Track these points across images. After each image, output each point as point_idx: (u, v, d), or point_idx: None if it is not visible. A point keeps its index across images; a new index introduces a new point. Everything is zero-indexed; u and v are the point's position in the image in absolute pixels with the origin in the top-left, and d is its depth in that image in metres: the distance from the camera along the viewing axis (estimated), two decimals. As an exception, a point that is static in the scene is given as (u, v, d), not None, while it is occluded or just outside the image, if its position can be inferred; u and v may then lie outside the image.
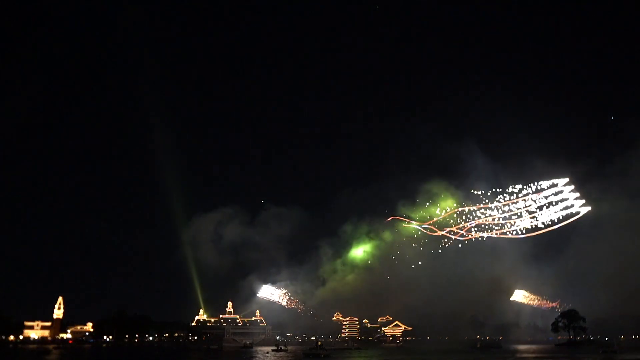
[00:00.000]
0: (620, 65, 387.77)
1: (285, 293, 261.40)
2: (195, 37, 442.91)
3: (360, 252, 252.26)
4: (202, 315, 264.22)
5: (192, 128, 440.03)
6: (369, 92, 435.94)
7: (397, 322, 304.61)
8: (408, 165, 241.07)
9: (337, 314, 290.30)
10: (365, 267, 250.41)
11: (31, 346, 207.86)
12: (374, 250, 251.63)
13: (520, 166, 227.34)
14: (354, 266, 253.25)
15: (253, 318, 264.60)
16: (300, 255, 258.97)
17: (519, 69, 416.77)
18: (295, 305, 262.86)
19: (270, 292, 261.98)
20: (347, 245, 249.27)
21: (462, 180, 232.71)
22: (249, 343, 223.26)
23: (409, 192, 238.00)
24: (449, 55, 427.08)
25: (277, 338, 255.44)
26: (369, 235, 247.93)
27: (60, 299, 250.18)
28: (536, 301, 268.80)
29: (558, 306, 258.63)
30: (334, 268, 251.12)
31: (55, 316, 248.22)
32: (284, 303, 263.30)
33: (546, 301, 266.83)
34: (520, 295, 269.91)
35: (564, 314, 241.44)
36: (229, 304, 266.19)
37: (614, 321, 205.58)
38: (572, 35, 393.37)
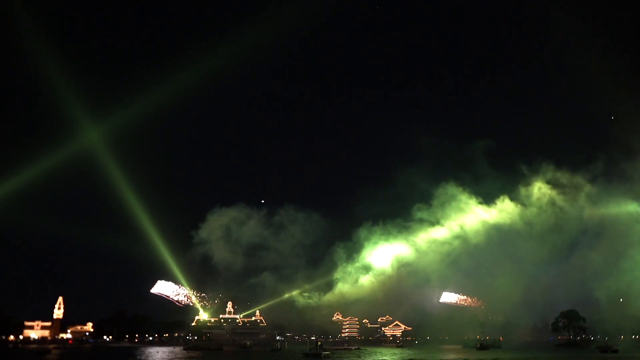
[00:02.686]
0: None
1: (179, 288, 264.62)
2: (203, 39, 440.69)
3: (381, 256, 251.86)
4: (202, 316, 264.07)
5: (204, 130, 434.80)
6: (376, 95, 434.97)
7: (397, 322, 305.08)
8: (419, 168, 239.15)
9: (337, 314, 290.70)
10: (379, 271, 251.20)
11: (31, 346, 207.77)
12: (392, 254, 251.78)
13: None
14: (368, 269, 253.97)
15: (253, 318, 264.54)
16: (315, 259, 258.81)
17: (523, 69, 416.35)
18: (190, 300, 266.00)
19: (163, 288, 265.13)
20: (362, 249, 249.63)
21: (474, 182, 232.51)
22: (249, 343, 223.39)
23: (423, 196, 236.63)
24: (453, 55, 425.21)
25: (277, 338, 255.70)
26: (384, 238, 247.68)
27: (60, 299, 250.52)
28: (465, 302, 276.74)
29: (482, 305, 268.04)
30: (347, 271, 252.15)
31: (55, 316, 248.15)
32: (178, 298, 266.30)
33: (473, 301, 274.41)
34: (449, 297, 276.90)
35: (564, 314, 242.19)
36: (229, 304, 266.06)
37: (614, 321, 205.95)
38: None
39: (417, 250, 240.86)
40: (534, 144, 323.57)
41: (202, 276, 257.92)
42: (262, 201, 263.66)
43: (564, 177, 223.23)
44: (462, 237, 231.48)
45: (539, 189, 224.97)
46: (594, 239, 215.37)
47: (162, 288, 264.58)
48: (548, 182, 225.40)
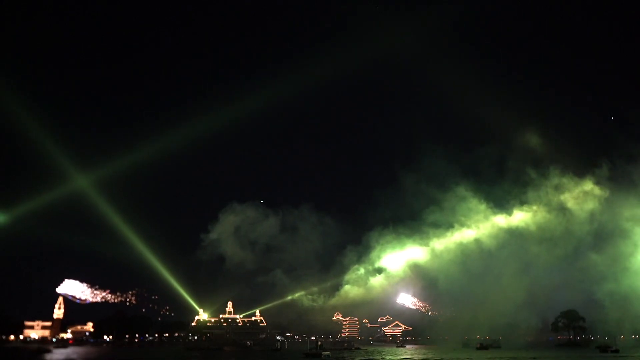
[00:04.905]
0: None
1: (92, 287, 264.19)
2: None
3: (391, 259, 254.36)
4: (202, 316, 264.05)
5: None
6: (383, 99, 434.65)
7: (397, 322, 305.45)
8: (427, 173, 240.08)
9: (337, 314, 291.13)
10: (389, 273, 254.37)
11: (30, 346, 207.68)
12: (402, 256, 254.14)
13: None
14: (379, 272, 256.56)
15: (253, 318, 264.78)
16: (325, 262, 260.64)
17: (527, 70, 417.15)
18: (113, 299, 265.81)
19: (72, 287, 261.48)
20: (373, 253, 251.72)
21: (483, 186, 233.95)
22: (250, 343, 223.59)
23: (433, 200, 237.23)
24: (458, 55, 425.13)
25: (277, 338, 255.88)
26: (395, 241, 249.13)
27: (60, 299, 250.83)
28: (418, 306, 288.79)
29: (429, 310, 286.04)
30: (358, 274, 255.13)
31: (55, 316, 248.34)
32: (89, 298, 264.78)
33: (423, 304, 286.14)
34: (405, 298, 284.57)
35: (563, 314, 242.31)
36: (229, 304, 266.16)
37: (614, 322, 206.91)
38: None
39: (427, 253, 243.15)
40: (540, 148, 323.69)
41: (210, 276, 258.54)
42: (262, 201, 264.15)
43: (571, 181, 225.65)
44: (472, 241, 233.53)
45: (547, 194, 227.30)
46: (599, 241, 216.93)
47: (69, 288, 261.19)
48: (556, 187, 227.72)
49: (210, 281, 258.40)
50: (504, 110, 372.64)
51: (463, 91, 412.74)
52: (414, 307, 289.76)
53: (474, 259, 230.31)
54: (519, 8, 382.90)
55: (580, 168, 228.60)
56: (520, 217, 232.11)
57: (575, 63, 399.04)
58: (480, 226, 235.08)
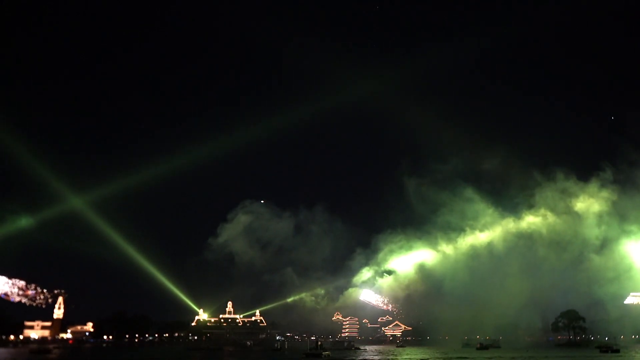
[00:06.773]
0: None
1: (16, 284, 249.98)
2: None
3: (399, 261, 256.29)
4: (202, 316, 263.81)
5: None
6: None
7: (397, 322, 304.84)
8: (433, 177, 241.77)
9: (337, 314, 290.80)
10: (397, 275, 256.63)
11: (31, 346, 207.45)
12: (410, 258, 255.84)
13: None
14: (387, 273, 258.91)
15: (253, 318, 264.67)
16: (334, 264, 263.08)
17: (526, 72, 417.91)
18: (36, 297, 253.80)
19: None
20: (381, 255, 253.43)
21: (491, 190, 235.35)
22: (250, 343, 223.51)
23: (441, 204, 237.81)
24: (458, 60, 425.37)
25: (277, 338, 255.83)
26: (404, 243, 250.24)
27: (60, 299, 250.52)
28: (380, 304, 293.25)
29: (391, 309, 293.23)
30: (367, 276, 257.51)
31: (55, 316, 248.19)
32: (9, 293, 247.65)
33: (387, 304, 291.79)
34: (369, 295, 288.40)
35: (563, 314, 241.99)
36: (229, 304, 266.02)
37: (614, 321, 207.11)
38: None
39: (437, 255, 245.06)
40: (545, 152, 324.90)
41: (219, 275, 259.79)
42: (262, 201, 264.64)
43: (576, 185, 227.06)
44: (484, 244, 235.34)
45: (554, 197, 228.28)
46: (603, 243, 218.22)
47: None
48: (563, 190, 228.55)
49: (218, 280, 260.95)
50: (506, 114, 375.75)
51: (465, 95, 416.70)
52: (376, 305, 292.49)
53: (482, 262, 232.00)
54: (523, 13, 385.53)
55: (584, 171, 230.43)
56: (530, 221, 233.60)
57: (574, 66, 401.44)
58: (491, 229, 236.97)
